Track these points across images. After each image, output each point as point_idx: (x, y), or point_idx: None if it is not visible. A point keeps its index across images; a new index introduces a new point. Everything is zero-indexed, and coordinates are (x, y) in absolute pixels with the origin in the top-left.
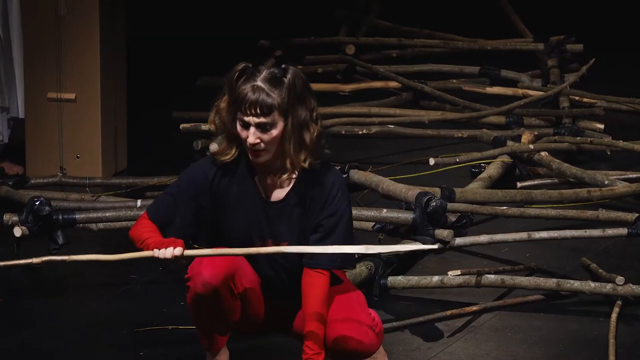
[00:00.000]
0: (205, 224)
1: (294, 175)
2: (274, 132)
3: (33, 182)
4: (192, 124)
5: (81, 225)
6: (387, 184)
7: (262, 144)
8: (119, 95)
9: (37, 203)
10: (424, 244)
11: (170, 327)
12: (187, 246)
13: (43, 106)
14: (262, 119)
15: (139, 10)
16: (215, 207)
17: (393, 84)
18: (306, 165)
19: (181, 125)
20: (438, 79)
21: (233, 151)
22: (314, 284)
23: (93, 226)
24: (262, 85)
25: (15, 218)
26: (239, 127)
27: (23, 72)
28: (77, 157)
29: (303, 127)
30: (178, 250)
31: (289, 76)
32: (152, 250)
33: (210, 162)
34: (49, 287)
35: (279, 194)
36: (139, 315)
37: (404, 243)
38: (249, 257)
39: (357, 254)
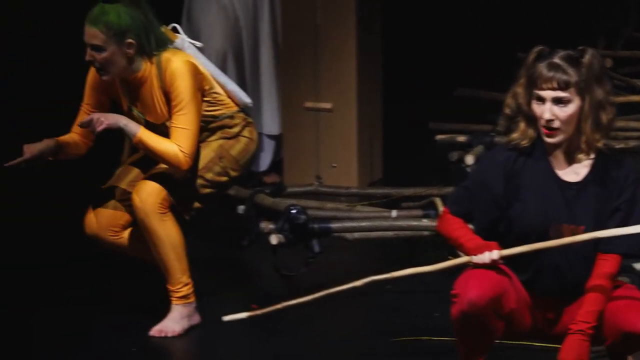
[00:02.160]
0: (501, 213)
1: (590, 157)
2: (570, 108)
3: (290, 190)
4: (448, 135)
5: (336, 234)
6: None
7: (557, 122)
8: (374, 104)
9: (293, 212)
10: None
11: (425, 338)
12: None
13: (300, 115)
14: (558, 93)
15: (395, 17)
16: (509, 192)
17: None
18: (601, 145)
19: (437, 136)
20: None
21: (529, 135)
22: (604, 264)
23: (348, 235)
24: (559, 62)
25: (272, 226)
26: (534, 105)
27: (276, 87)
28: (333, 166)
29: (600, 108)
30: (495, 254)
31: (587, 56)
32: (470, 256)
33: (503, 147)
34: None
35: (575, 176)
36: (395, 325)
37: None
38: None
39: None
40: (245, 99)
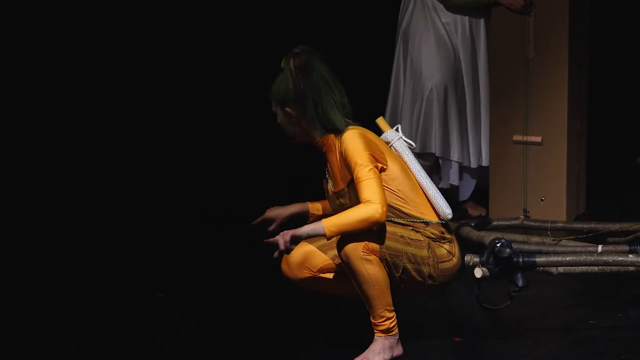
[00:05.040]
0: None
1: None
2: None
3: (495, 223)
4: None
5: (541, 268)
6: None
7: None
8: (581, 137)
9: (498, 245)
10: None
11: None
12: None
13: (508, 149)
14: None
15: (601, 49)
16: None
17: None
18: None
19: None
20: None
21: None
22: None
23: (553, 270)
24: None
25: (477, 259)
26: None
27: (488, 118)
28: (542, 200)
29: None
30: None
31: None
32: None
33: None
34: (507, 329)
35: None
36: None
37: None
38: None
39: None
40: (446, 209)
